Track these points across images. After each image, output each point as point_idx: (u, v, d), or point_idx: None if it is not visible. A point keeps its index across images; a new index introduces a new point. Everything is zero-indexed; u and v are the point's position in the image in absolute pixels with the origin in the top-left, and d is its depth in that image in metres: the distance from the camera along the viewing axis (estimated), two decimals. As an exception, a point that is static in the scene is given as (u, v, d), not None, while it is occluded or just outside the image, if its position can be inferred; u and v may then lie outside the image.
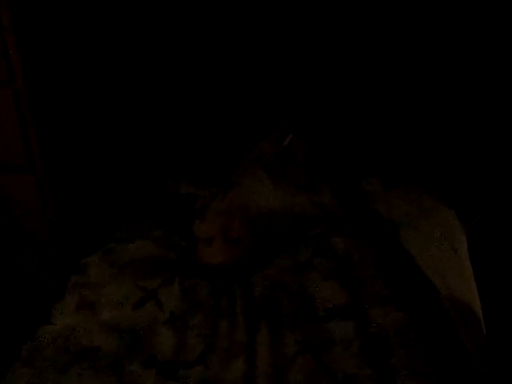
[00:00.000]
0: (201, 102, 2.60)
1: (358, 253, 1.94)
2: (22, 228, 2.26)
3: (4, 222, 2.28)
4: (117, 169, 2.55)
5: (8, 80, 1.98)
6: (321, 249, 1.99)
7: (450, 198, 2.32)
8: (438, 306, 1.78)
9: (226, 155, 2.53)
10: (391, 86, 2.44)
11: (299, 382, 1.48)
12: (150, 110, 2.63)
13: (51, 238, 2.25)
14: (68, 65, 2.21)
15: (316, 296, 1.77)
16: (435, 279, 1.89)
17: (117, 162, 2.56)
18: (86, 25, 2.29)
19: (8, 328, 2.35)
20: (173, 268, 1.97)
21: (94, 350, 1.64)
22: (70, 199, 2.26)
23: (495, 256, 2.37)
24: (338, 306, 1.71)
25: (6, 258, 2.37)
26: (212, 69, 2.54)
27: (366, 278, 1.82)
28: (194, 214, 2.22)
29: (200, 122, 2.62)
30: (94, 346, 1.65)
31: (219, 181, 2.34)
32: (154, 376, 1.54)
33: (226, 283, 1.88)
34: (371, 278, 1.82)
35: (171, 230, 2.23)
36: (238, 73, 2.53)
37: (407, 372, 1.47)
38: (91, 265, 1.98)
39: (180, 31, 2.49)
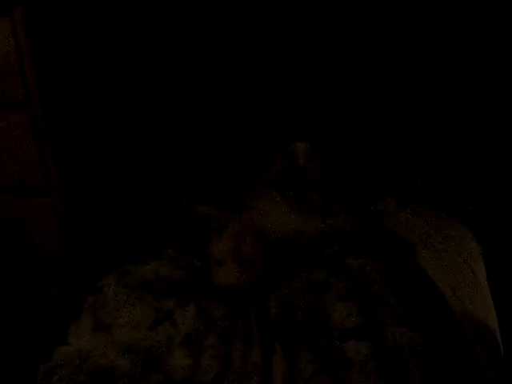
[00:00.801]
0: (216, 122, 2.61)
1: (374, 273, 1.92)
2: (38, 250, 2.28)
3: (20, 243, 2.30)
4: (132, 190, 2.58)
5: (24, 103, 2.02)
6: (336, 269, 1.98)
7: (466, 218, 2.31)
8: (454, 326, 1.76)
9: (241, 176, 2.54)
10: (404, 106, 2.44)
11: (314, 402, 1.48)
12: (165, 132, 2.65)
13: (67, 260, 2.27)
14: (81, 87, 2.25)
15: (331, 316, 1.76)
16: (452, 299, 1.87)
17: (133, 182, 2.58)
18: (98, 44, 2.34)
19: (24, 349, 2.37)
20: (188, 289, 1.97)
21: (110, 370, 1.64)
22: (86, 221, 2.29)
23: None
24: (354, 326, 1.70)
25: (23, 279, 2.39)
26: (228, 89, 2.56)
27: (382, 297, 1.81)
28: (208, 235, 2.22)
29: (215, 142, 2.64)
30: (110, 366, 1.66)
31: (234, 202, 2.34)
32: (169, 397, 1.54)
33: (240, 305, 1.88)
34: (387, 298, 1.80)
35: (186, 250, 2.24)
36: (253, 93, 2.54)
37: (423, 393, 1.46)
38: (107, 286, 1.99)
39: (193, 47, 2.52)
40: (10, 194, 2.23)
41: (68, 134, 2.16)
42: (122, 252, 2.24)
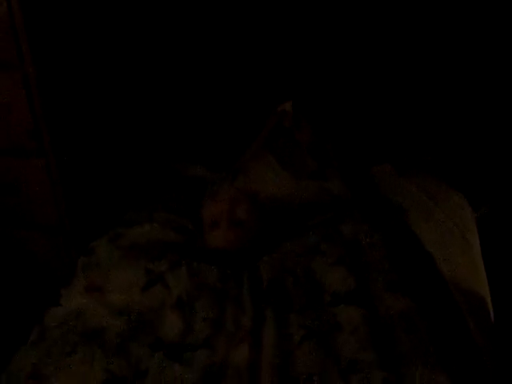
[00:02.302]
0: (209, 85, 2.60)
1: (367, 238, 1.93)
2: (31, 211, 2.29)
3: (13, 205, 2.29)
4: (126, 152, 2.56)
5: (17, 63, 1.99)
6: (329, 235, 1.99)
7: (461, 186, 2.30)
8: (445, 292, 1.77)
9: (235, 138, 2.54)
10: (403, 70, 2.42)
11: (304, 367, 1.48)
12: (158, 92, 2.64)
13: (60, 222, 2.27)
14: (75, 49, 2.22)
15: (323, 281, 1.77)
16: (444, 266, 1.88)
17: (126, 145, 2.57)
18: (93, 10, 2.30)
19: (17, 310, 2.38)
20: (180, 251, 1.97)
21: (101, 331, 1.65)
22: (79, 183, 2.28)
23: (505, 245, 2.36)
24: (345, 291, 1.70)
25: (15, 241, 2.39)
26: (221, 53, 2.55)
27: (374, 263, 1.82)
28: (202, 199, 2.22)
29: (209, 105, 2.62)
30: (102, 327, 1.66)
31: (228, 164, 2.34)
32: (160, 358, 1.54)
33: (233, 268, 1.88)
34: (379, 264, 1.81)
35: (180, 213, 2.24)
36: (246, 55, 2.53)
37: (412, 358, 1.46)
38: (99, 248, 1.99)
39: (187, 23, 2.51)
40: (3, 156, 2.22)
41: (61, 95, 2.14)
42: (114, 214, 2.24)
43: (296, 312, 1.66)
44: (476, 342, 1.67)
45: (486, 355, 1.66)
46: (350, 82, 2.48)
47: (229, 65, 2.56)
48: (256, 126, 2.44)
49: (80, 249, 2.07)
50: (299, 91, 2.51)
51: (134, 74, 2.58)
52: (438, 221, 2.07)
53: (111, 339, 1.62)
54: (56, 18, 2.10)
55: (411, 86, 2.44)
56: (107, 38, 2.41)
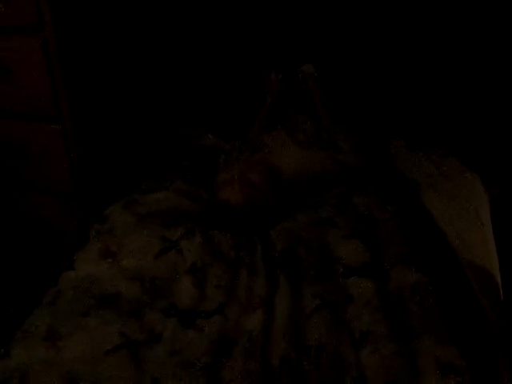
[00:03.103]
0: (217, 56, 2.62)
1: (380, 212, 1.94)
2: (48, 177, 2.30)
3: (28, 170, 2.30)
4: (140, 120, 2.56)
5: (36, 26, 1.99)
6: (343, 207, 2.00)
7: (476, 164, 2.30)
8: (456, 268, 1.77)
9: (243, 106, 2.56)
10: (415, 51, 2.41)
11: (316, 336, 1.49)
12: (174, 63, 2.64)
13: (75, 188, 2.28)
14: (94, 20, 2.22)
15: (336, 253, 1.79)
16: (455, 242, 1.88)
17: (142, 113, 2.57)
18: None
19: (30, 274, 2.40)
20: (195, 219, 1.98)
21: (116, 296, 1.67)
22: (95, 150, 2.29)
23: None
24: (358, 263, 1.71)
25: (31, 206, 2.41)
26: (231, 22, 2.55)
27: (387, 237, 1.83)
28: (217, 167, 2.23)
29: (218, 74, 2.63)
30: (116, 292, 1.68)
31: (238, 132, 2.36)
32: (173, 324, 1.57)
33: (246, 232, 1.89)
34: (392, 238, 1.82)
35: (194, 183, 2.25)
36: (256, 21, 2.53)
37: (423, 331, 1.47)
38: (114, 214, 2.00)
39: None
40: (21, 120, 2.22)
41: (80, 62, 2.14)
42: (129, 182, 2.25)
43: (309, 282, 1.68)
44: (487, 317, 1.67)
45: (496, 330, 1.67)
46: (365, 57, 2.48)
47: (239, 32, 2.56)
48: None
49: (95, 216, 2.08)
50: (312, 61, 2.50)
51: (148, 47, 2.57)
52: (452, 197, 2.07)
53: (125, 304, 1.64)
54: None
55: (428, 63, 2.43)
56: (123, 13, 2.41)
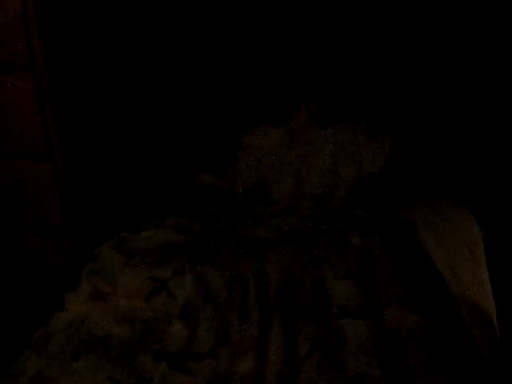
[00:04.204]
0: (215, 96, 2.60)
1: (376, 251, 1.93)
2: (39, 215, 2.28)
3: (21, 208, 2.29)
4: (134, 159, 2.56)
5: (28, 65, 1.99)
6: (339, 245, 1.99)
7: (468, 202, 2.30)
8: (452, 307, 1.75)
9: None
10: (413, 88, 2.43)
11: (310, 379, 1.46)
12: (166, 102, 2.63)
13: (66, 226, 2.26)
14: (86, 57, 2.23)
15: (331, 293, 1.76)
16: (451, 281, 1.87)
17: (134, 151, 2.56)
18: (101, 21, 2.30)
19: (23, 313, 2.37)
20: (185, 254, 1.98)
21: (106, 338, 1.64)
22: (86, 187, 2.28)
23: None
24: (353, 304, 1.69)
25: (22, 244, 2.39)
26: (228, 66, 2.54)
27: (383, 277, 1.81)
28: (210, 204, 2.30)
29: (215, 114, 2.62)
30: (106, 334, 1.65)
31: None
32: (164, 367, 1.53)
33: (238, 270, 1.90)
34: (388, 278, 1.80)
35: (187, 217, 2.24)
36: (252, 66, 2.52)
37: (419, 374, 1.45)
38: (105, 253, 1.99)
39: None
40: (13, 158, 2.22)
41: (71, 100, 2.14)
42: (121, 220, 2.24)
43: (303, 323, 1.65)
44: (483, 357, 1.65)
45: (493, 370, 1.65)
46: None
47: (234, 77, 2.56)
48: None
49: (86, 254, 2.06)
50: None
51: (144, 83, 2.57)
52: (446, 235, 2.06)
53: (115, 346, 1.61)
54: (68, 23, 2.10)
55: (419, 103, 2.45)
56: (116, 49, 2.42)
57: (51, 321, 1.72)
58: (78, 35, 2.16)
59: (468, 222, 2.20)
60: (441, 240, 2.03)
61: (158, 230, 2.11)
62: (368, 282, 1.78)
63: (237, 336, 1.63)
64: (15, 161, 2.21)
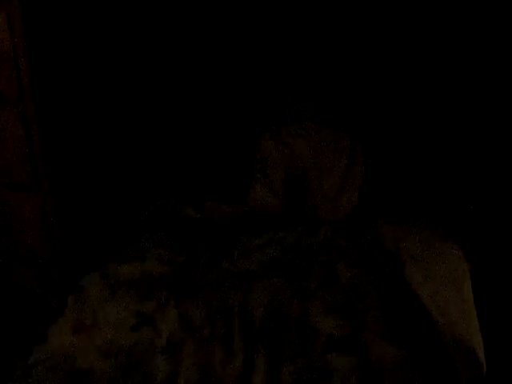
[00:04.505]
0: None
1: (363, 285, 1.92)
2: (24, 245, 2.27)
3: (6, 237, 2.28)
4: (120, 190, 2.56)
5: (17, 99, 2.01)
6: (326, 278, 1.98)
7: (455, 235, 2.30)
8: (438, 342, 1.74)
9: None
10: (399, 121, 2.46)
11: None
12: (152, 134, 2.67)
13: (52, 256, 2.25)
14: (76, 85, 2.25)
15: (316, 326, 1.75)
16: (437, 316, 1.85)
17: (120, 183, 2.57)
18: (91, 47, 2.34)
19: (5, 344, 2.35)
20: (169, 286, 1.96)
21: (89, 372, 1.62)
22: (73, 218, 2.27)
23: (499, 295, 2.35)
24: (339, 338, 1.68)
25: (6, 273, 2.37)
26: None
27: (369, 311, 1.80)
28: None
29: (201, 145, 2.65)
30: (89, 368, 1.63)
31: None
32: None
33: (222, 302, 1.89)
34: (373, 312, 1.79)
35: (171, 248, 2.23)
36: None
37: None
38: (89, 285, 1.98)
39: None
40: (1, 188, 2.22)
41: (59, 132, 2.15)
42: (107, 250, 2.23)
43: (288, 357, 1.64)
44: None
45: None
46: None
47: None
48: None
49: (71, 284, 2.05)
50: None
51: (127, 113, 2.60)
52: (434, 272, 2.05)
53: (98, 381, 1.59)
54: (57, 52, 2.13)
55: (402, 135, 2.48)
56: (108, 75, 2.45)
57: (34, 353, 1.70)
58: (66, 65, 2.18)
59: (455, 255, 2.20)
60: (428, 274, 2.03)
61: (143, 262, 2.10)
62: (354, 317, 1.77)
63: (221, 369, 1.61)
64: (4, 190, 2.21)
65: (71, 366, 1.64)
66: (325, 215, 2.41)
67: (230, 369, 1.61)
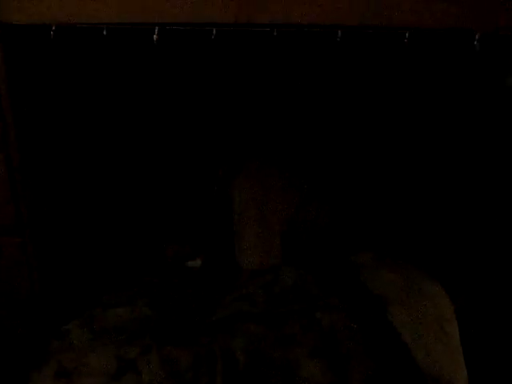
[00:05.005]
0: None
1: (345, 329, 1.89)
2: (4, 290, 2.23)
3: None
4: (106, 234, 2.55)
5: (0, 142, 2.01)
6: (306, 323, 1.95)
7: (439, 275, 2.30)
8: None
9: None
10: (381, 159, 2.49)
11: None
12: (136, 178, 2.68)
13: (34, 302, 2.22)
14: (62, 126, 2.27)
15: (300, 373, 1.74)
16: (423, 360, 1.84)
17: (106, 227, 2.56)
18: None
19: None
20: (152, 331, 1.95)
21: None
22: (56, 263, 2.25)
23: (487, 334, 2.34)
24: (322, 384, 1.66)
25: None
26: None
27: (352, 355, 1.78)
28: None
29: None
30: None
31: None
32: None
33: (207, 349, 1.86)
34: (357, 356, 1.78)
35: (159, 292, 2.21)
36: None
37: None
38: (72, 330, 1.95)
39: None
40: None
41: (43, 177, 2.15)
42: (91, 295, 2.20)
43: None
44: None
45: None
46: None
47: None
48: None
49: (53, 329, 2.02)
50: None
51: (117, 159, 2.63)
52: (418, 314, 2.04)
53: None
54: (44, 99, 2.15)
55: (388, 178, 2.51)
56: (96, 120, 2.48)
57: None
58: (54, 109, 2.20)
59: (439, 297, 2.19)
60: (413, 318, 2.01)
61: (127, 308, 2.08)
62: (337, 361, 1.76)
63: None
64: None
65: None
66: None
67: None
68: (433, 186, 2.47)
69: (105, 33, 1.89)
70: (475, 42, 1.60)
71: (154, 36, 1.83)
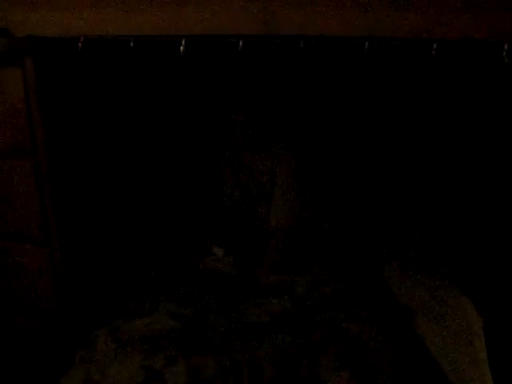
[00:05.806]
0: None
1: (373, 340, 1.88)
2: (34, 298, 2.27)
3: (16, 291, 2.28)
4: (133, 242, 2.56)
5: (30, 149, 2.04)
6: (334, 333, 1.94)
7: (467, 287, 2.28)
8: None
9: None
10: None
11: None
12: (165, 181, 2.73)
13: (61, 310, 2.24)
14: (90, 136, 2.28)
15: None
16: (449, 372, 1.83)
17: (133, 235, 2.57)
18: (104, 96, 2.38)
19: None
20: (178, 342, 1.93)
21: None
22: (82, 272, 2.27)
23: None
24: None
25: (16, 327, 2.36)
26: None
27: (380, 367, 1.77)
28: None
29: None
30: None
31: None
32: None
33: (232, 358, 1.85)
34: (385, 369, 1.76)
35: (183, 303, 2.20)
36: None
37: None
38: (98, 340, 1.95)
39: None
40: (11, 241, 2.23)
41: (71, 184, 2.17)
42: (117, 303, 2.22)
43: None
44: None
45: None
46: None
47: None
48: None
49: (80, 337, 2.04)
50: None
51: (140, 161, 2.65)
52: (446, 326, 2.02)
53: None
54: (71, 106, 2.17)
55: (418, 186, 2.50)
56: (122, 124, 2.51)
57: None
58: (80, 119, 2.21)
59: (467, 309, 2.17)
60: (440, 330, 2.00)
61: (152, 317, 2.07)
62: (364, 373, 1.74)
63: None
64: (13, 244, 2.23)
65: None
66: None
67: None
68: (467, 194, 2.46)
69: (132, 44, 1.91)
70: (504, 53, 1.58)
71: (181, 47, 1.84)
